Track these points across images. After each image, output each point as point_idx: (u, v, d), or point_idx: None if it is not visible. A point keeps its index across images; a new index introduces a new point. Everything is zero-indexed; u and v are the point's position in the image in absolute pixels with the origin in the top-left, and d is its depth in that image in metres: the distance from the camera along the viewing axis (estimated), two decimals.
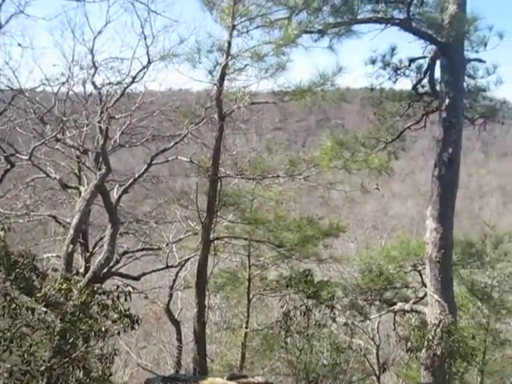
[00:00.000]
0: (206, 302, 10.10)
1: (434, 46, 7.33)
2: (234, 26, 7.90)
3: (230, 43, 8.05)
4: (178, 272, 13.82)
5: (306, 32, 6.02)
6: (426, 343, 7.05)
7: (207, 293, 10.29)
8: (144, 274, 13.03)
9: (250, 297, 12.36)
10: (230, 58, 8.08)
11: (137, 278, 12.28)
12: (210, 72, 8.22)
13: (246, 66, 8.12)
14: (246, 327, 12.14)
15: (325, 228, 10.71)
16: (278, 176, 9.91)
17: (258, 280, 12.64)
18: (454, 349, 6.84)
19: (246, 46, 7.88)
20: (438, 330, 6.73)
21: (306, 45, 5.90)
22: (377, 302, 10.54)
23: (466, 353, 6.97)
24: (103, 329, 5.15)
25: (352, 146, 6.94)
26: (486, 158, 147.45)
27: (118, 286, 5.95)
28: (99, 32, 10.63)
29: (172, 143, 11.48)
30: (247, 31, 7.84)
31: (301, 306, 7.18)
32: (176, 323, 14.08)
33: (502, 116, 8.18)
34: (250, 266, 12.12)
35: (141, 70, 10.69)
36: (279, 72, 7.56)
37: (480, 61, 7.45)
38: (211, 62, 8.20)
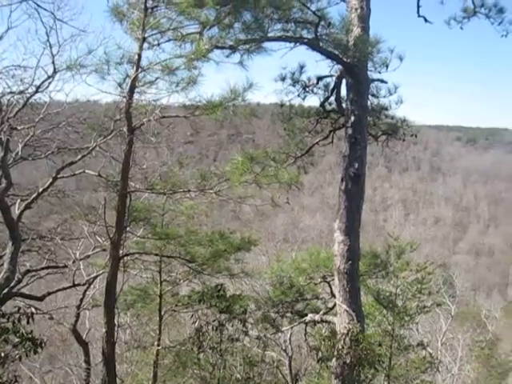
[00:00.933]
0: (116, 321, 9.79)
1: (340, 66, 7.65)
2: (144, 39, 7.79)
3: (140, 56, 7.92)
4: (85, 290, 13.25)
5: (218, 47, 6.07)
6: (335, 352, 7.27)
7: (117, 311, 9.97)
8: (49, 294, 12.38)
9: (162, 313, 12.11)
10: (140, 70, 7.95)
11: (41, 299, 11.66)
12: (120, 84, 8.03)
13: (156, 79, 8.02)
14: (158, 345, 11.86)
15: (236, 242, 10.75)
16: (189, 190, 9.83)
17: (170, 296, 12.42)
18: (363, 356, 7.11)
19: (157, 58, 7.79)
20: (347, 339, 6.97)
21: (218, 60, 5.94)
22: (288, 314, 10.73)
23: (373, 360, 7.27)
24: (2, 354, 4.83)
25: (262, 161, 7.06)
26: (388, 173, 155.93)
27: (19, 308, 5.61)
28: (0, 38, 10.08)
29: (79, 156, 11.09)
30: (158, 44, 7.76)
31: (213, 321, 7.15)
32: (84, 344, 13.49)
33: (403, 133, 8.68)
34: (161, 282, 11.88)
35: (46, 80, 10.29)
36: (190, 86, 7.54)
37: (382, 81, 7.89)
38: (121, 74, 8.01)
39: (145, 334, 14.64)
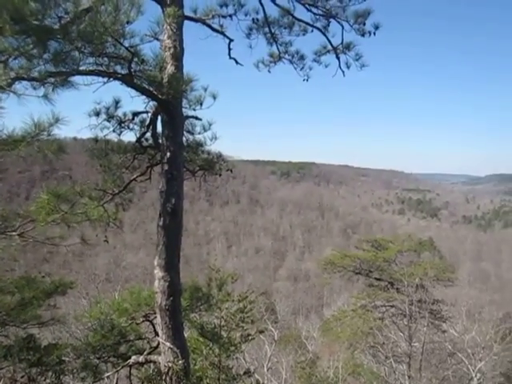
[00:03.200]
0: None
1: (155, 102, 7.69)
2: None
3: None
4: None
5: (22, 79, 5.67)
6: None
7: None
8: None
9: None
10: None
11: None
12: None
13: None
14: None
15: (48, 287, 9.95)
16: None
17: None
18: None
19: None
20: (171, 377, 6.85)
21: (20, 92, 5.52)
22: (112, 359, 10.20)
23: None
24: None
25: (71, 198, 6.69)
26: (210, 207, 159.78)
27: None
28: None
29: None
30: None
31: (22, 377, 6.47)
32: None
33: (219, 168, 8.98)
34: None
35: None
36: None
37: (197, 118, 8.10)
38: None
39: None
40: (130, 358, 8.80)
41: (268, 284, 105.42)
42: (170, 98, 7.15)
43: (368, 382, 24.67)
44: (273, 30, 9.26)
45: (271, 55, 9.68)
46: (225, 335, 14.30)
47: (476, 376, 21.74)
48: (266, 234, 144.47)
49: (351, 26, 8.79)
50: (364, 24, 8.73)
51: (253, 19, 8.90)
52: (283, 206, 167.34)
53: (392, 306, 25.79)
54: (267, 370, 23.93)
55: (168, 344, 7.39)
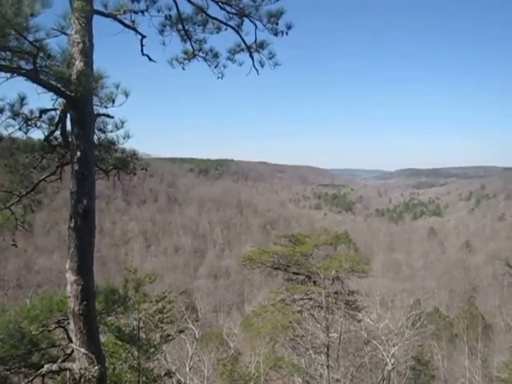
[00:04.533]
0: None
1: (64, 99, 7.39)
2: None
3: None
4: None
5: None
6: None
7: None
8: None
9: None
10: None
11: None
12: None
13: None
14: None
15: None
16: None
17: None
18: None
19: None
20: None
21: None
22: (23, 369, 9.75)
23: None
24: None
25: None
26: (127, 206, 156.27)
27: None
28: None
29: None
30: None
31: None
32: None
33: (133, 167, 8.78)
34: None
35: None
36: None
37: (108, 116, 7.88)
38: None
39: None
40: (42, 366, 8.43)
41: (188, 282, 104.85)
42: (79, 95, 6.91)
43: (289, 375, 25.26)
44: (186, 27, 9.19)
45: (185, 52, 9.60)
46: (144, 337, 14.10)
47: (390, 361, 22.86)
48: (186, 232, 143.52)
49: (264, 26, 8.91)
50: (277, 24, 8.88)
51: (165, 16, 8.78)
52: (202, 203, 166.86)
53: (310, 299, 26.49)
54: (189, 370, 23.84)
55: (82, 350, 7.16)
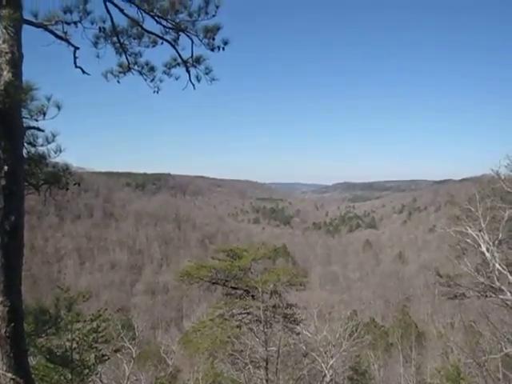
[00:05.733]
0: None
1: None
2: None
3: None
4: None
5: None
6: None
7: None
8: None
9: None
10: None
11: None
12: None
13: None
14: None
15: None
16: None
17: None
18: None
19: None
20: None
21: None
22: None
23: None
24: None
25: None
26: (61, 222, 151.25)
27: None
28: None
29: None
30: None
31: None
32: None
33: (66, 182, 8.51)
34: None
35: None
36: None
37: (39, 129, 7.60)
38: None
39: None
40: None
41: (125, 300, 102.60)
42: (6, 107, 6.64)
43: None
44: (121, 40, 9.07)
45: (120, 65, 9.46)
46: (77, 358, 13.61)
47: (329, 372, 23.16)
48: (122, 248, 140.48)
49: (201, 41, 8.94)
50: (213, 39, 8.93)
51: (100, 28, 8.62)
52: (139, 218, 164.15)
53: (248, 313, 26.51)
54: None
55: (9, 375, 6.80)
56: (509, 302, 14.16)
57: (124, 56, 9.30)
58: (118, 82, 9.53)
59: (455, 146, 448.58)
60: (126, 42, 9.14)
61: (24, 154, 7.41)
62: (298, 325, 27.09)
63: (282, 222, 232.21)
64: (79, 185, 8.75)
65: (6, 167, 6.73)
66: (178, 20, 8.76)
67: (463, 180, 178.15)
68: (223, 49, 9.01)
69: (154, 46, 9.23)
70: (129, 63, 9.40)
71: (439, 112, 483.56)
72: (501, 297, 14.10)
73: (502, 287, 13.92)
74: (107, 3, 8.34)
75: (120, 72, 9.53)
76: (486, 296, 14.73)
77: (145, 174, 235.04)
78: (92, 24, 8.47)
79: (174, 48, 9.16)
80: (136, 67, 9.46)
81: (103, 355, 14.73)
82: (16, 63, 7.11)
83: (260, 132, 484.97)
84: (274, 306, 23.92)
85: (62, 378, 13.33)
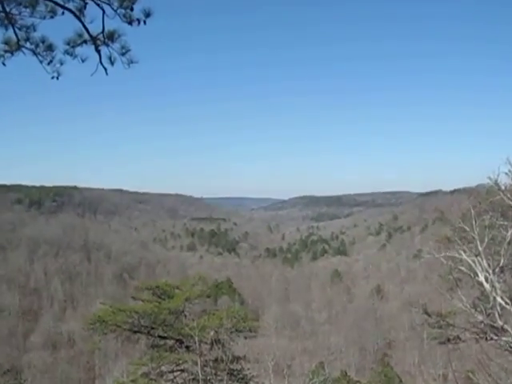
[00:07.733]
0: None
1: None
2: None
3: None
4: None
5: None
6: None
7: None
8: None
9: None
10: None
11: None
12: None
13: None
14: None
15: None
16: None
17: None
18: None
19: None
20: None
21: None
22: None
23: None
24: None
25: None
26: None
27: None
28: None
29: None
30: None
31: None
32: None
33: None
34: None
35: None
36: None
37: None
38: None
39: None
40: None
41: (16, 357, 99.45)
42: None
43: None
44: (8, 9, 8.88)
45: (7, 42, 9.24)
46: None
47: None
48: (11, 287, 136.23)
49: (115, 11, 8.83)
50: (131, 9, 8.84)
51: None
52: (34, 247, 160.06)
53: (182, 371, 26.21)
54: None
55: None
56: None
57: (12, 29, 9.11)
58: (4, 63, 9.33)
59: (443, 149, 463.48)
60: (15, 11, 8.95)
61: None
62: (247, 383, 27.04)
63: (226, 248, 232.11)
64: None
65: None
66: None
67: (454, 191, 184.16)
68: (144, 22, 8.93)
69: (52, 17, 9.07)
70: (18, 39, 9.20)
71: (422, 107, 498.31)
72: (504, 339, 14.32)
73: (506, 327, 14.13)
74: None
75: (6, 51, 9.32)
76: (486, 338, 14.99)
77: (42, 188, 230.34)
78: None
79: (80, 19, 9.01)
80: (28, 44, 9.28)
81: None
82: None
83: (194, 131, 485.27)
84: (215, 360, 23.75)
85: None
